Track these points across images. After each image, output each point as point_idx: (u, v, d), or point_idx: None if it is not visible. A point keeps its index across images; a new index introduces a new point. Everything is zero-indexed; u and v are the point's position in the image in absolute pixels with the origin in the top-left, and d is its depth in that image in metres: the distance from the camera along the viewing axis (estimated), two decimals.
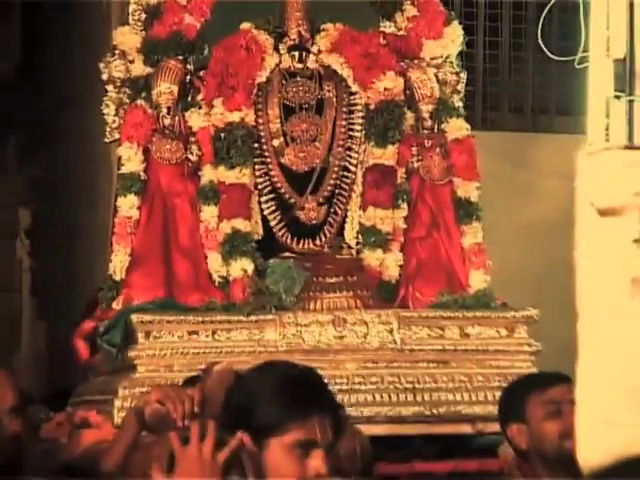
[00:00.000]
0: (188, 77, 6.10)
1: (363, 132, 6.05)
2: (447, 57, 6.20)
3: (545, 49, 6.64)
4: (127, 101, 6.09)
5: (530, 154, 6.96)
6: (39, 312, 9.90)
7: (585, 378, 3.35)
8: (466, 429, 5.67)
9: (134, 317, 5.68)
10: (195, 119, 6.02)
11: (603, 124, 6.03)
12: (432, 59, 6.16)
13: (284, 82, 6.03)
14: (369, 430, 4.86)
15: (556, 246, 7.22)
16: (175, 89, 5.99)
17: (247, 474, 3.47)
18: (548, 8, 6.56)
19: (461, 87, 6.24)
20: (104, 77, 6.13)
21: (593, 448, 3.32)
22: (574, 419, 4.24)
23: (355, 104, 6.06)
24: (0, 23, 10.20)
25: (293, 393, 3.41)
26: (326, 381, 5.77)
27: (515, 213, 6.64)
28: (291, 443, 3.38)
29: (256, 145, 6.02)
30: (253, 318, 5.72)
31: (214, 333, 5.71)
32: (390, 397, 5.68)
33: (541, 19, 6.80)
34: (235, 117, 5.91)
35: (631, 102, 5.43)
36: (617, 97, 5.50)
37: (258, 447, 3.40)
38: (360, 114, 6.05)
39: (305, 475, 3.45)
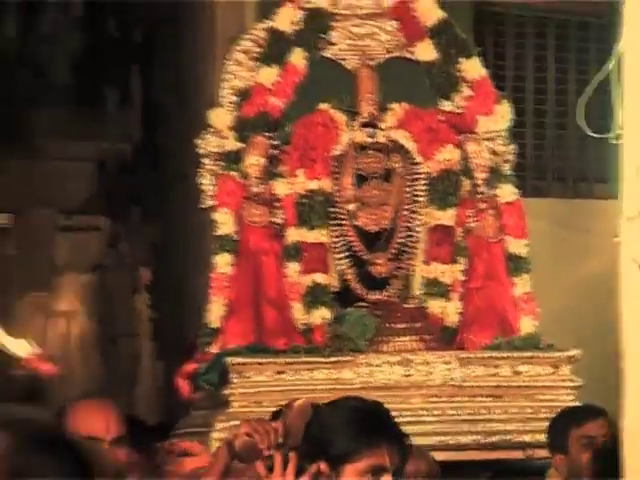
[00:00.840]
0: (274, 150, 6.13)
1: (426, 197, 6.06)
2: (499, 131, 6.20)
3: (585, 128, 6.70)
4: (221, 172, 6.13)
5: (572, 217, 6.96)
6: (158, 354, 10.09)
7: (633, 406, 3.34)
8: (517, 455, 5.63)
9: (228, 360, 5.71)
10: (280, 187, 6.06)
11: (636, 191, 6.10)
12: (485, 133, 6.17)
13: (357, 154, 6.05)
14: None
15: (596, 296, 7.34)
16: (262, 161, 6.06)
17: None
18: (586, 95, 6.71)
19: (511, 157, 6.22)
20: (201, 152, 6.21)
21: None
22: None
23: (419, 173, 6.08)
24: (123, 110, 10.41)
25: (364, 424, 3.47)
26: (393, 413, 5.88)
27: (558, 268, 6.64)
28: (364, 469, 3.44)
29: (333, 209, 6.06)
30: (332, 359, 5.74)
31: (297, 373, 5.72)
32: (451, 427, 5.70)
33: (582, 102, 6.91)
34: (314, 185, 5.98)
35: None
36: None
37: (335, 474, 3.47)
38: (423, 182, 6.07)
39: None
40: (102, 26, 9.49)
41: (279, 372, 5.77)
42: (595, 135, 6.67)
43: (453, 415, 5.79)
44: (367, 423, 3.58)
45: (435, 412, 5.78)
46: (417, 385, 5.82)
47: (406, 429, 5.54)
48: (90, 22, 9.20)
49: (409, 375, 5.80)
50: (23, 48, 9.35)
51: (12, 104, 9.06)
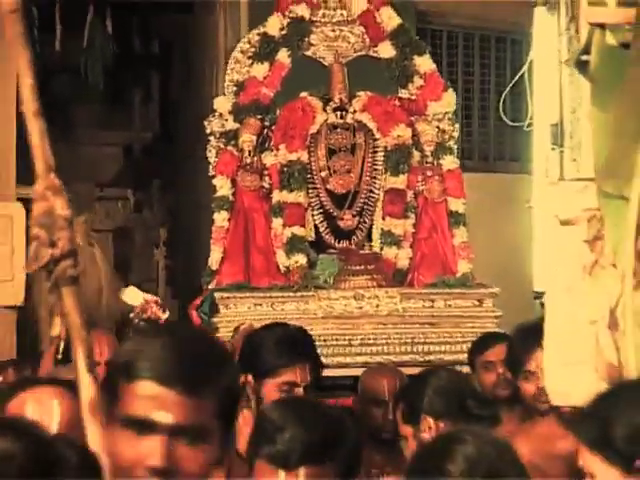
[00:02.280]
0: (264, 130, 6.22)
1: (383, 166, 6.13)
2: (445, 113, 6.29)
3: (504, 117, 6.87)
4: (221, 147, 6.23)
5: (492, 188, 7.08)
6: (172, 295, 10.22)
7: (549, 335, 3.36)
8: None
9: (217, 294, 5.84)
10: (267, 158, 6.16)
11: (544, 166, 6.17)
12: (434, 115, 6.26)
13: (329, 132, 6.12)
14: None
15: (513, 247, 7.43)
16: (254, 138, 6.15)
17: (251, 403, 3.66)
18: (507, 89, 6.84)
19: (455, 134, 6.31)
20: (207, 131, 6.29)
21: (556, 382, 3.38)
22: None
23: (378, 147, 6.14)
24: (145, 105, 10.56)
25: (285, 345, 3.59)
26: (346, 338, 5.95)
27: (484, 227, 6.72)
28: (280, 383, 3.55)
29: (309, 176, 6.12)
30: (299, 294, 5.85)
31: (272, 305, 5.82)
32: (394, 349, 5.78)
33: (502, 96, 7.08)
34: (294, 157, 6.05)
35: (562, 152, 5.60)
36: (552, 149, 5.67)
37: (258, 386, 3.60)
38: (381, 154, 6.13)
39: None
40: (128, 41, 9.60)
41: (256, 304, 5.84)
42: (512, 124, 6.88)
43: (396, 339, 5.84)
44: (287, 345, 3.65)
45: (382, 337, 5.85)
46: (368, 315, 5.90)
47: (359, 351, 5.79)
48: (119, 38, 9.29)
49: (361, 307, 5.90)
50: (67, 58, 9.43)
51: (59, 101, 9.14)
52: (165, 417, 1.80)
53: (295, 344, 3.72)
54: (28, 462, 1.50)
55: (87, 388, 2.18)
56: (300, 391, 3.68)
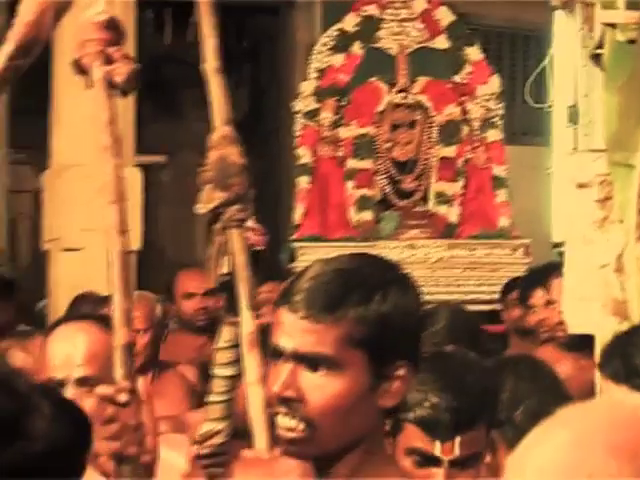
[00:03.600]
0: (340, 109, 6.34)
1: (437, 138, 6.25)
2: (491, 95, 6.36)
3: (530, 101, 6.94)
4: (304, 123, 6.36)
5: (521, 157, 7.16)
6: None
7: (568, 275, 3.51)
8: (486, 307, 5.67)
9: (295, 245, 6.01)
10: (342, 132, 6.28)
11: (562, 140, 6.36)
12: (482, 96, 6.35)
13: (393, 110, 6.24)
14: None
15: (540, 205, 7.44)
16: (331, 116, 6.28)
17: None
18: (532, 78, 6.90)
19: (500, 112, 6.37)
20: (294, 109, 6.41)
21: (572, 314, 3.50)
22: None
23: (433, 122, 6.25)
24: (238, 89, 10.78)
25: None
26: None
27: (517, 189, 6.69)
28: None
29: (376, 146, 6.23)
30: (362, 244, 5.88)
31: (341, 252, 6.01)
32: (441, 289, 5.90)
33: (528, 83, 7.14)
34: (363, 131, 6.21)
35: (576, 129, 5.84)
36: (568, 126, 5.89)
37: None
38: (436, 128, 6.24)
39: None
40: (226, 37, 9.88)
41: (328, 252, 5.82)
42: (536, 105, 7.01)
43: (443, 282, 5.99)
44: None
45: (431, 280, 5.92)
46: (419, 261, 5.99)
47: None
48: (219, 35, 9.52)
49: (414, 254, 6.01)
50: (175, 51, 9.68)
51: (169, 86, 9.43)
52: (286, 342, 1.51)
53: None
54: None
55: (247, 323, 2.06)
56: None
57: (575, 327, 3.44)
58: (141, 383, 1.63)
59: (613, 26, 3.12)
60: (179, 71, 9.94)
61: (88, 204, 5.70)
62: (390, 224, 6.20)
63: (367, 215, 6.19)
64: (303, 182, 6.31)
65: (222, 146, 2.09)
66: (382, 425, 1.59)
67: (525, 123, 8.04)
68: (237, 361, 2.17)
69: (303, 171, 6.32)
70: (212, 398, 2.13)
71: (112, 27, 1.60)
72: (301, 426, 1.48)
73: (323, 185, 6.31)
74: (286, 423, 1.49)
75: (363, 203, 6.20)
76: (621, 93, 3.07)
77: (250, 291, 2.07)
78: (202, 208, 2.06)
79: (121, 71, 1.59)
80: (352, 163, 6.25)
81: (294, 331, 1.51)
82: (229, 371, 2.17)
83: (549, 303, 4.03)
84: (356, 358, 1.49)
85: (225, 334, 2.18)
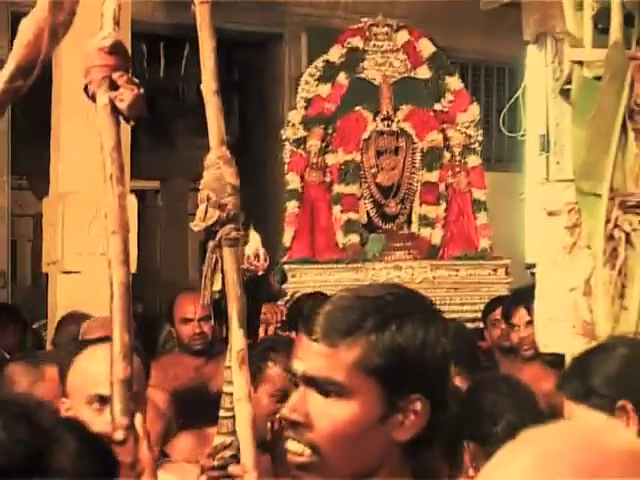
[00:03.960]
0: (327, 137, 6.33)
1: (420, 164, 6.24)
2: (471, 122, 6.37)
3: (503, 129, 7.04)
4: (293, 150, 6.35)
5: (495, 183, 7.20)
6: None
7: (539, 297, 3.54)
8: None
9: (286, 266, 5.96)
10: (329, 159, 6.27)
11: (534, 167, 6.43)
12: (462, 123, 6.35)
13: (377, 137, 6.23)
14: None
15: (515, 227, 7.53)
16: (319, 143, 6.26)
17: None
18: (506, 108, 7.05)
19: (479, 138, 6.39)
20: (283, 137, 6.40)
21: (543, 334, 3.54)
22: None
23: (416, 148, 6.24)
24: (228, 118, 10.74)
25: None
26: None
27: (504, 212, 6.70)
28: None
29: (361, 172, 6.22)
30: (350, 266, 5.96)
31: (330, 274, 5.94)
32: None
33: (502, 113, 7.28)
34: (349, 157, 6.19)
35: (547, 157, 5.89)
36: (540, 154, 6.03)
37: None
38: (419, 154, 6.24)
39: None
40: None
41: (318, 274, 5.96)
42: (509, 134, 7.09)
43: None
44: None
45: None
46: (405, 282, 5.72)
47: None
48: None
49: (400, 276, 5.97)
50: (169, 83, 9.69)
51: (163, 117, 9.42)
52: (298, 365, 1.45)
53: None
54: (14, 448, 1.13)
55: (237, 341, 2.01)
56: None
57: (546, 346, 3.47)
58: (138, 419, 1.49)
59: (581, 63, 3.16)
60: (173, 103, 9.95)
61: (86, 229, 5.89)
62: (376, 246, 6.15)
63: (354, 238, 6.16)
64: (292, 207, 6.30)
65: (218, 166, 2.05)
66: (402, 458, 1.44)
67: (499, 151, 8.29)
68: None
69: (292, 196, 6.31)
70: (222, 413, 2.11)
71: (117, 52, 1.52)
72: (307, 451, 1.40)
73: (311, 209, 6.29)
74: (293, 447, 1.42)
75: (349, 226, 6.17)
76: (589, 126, 3.09)
77: (241, 309, 2.02)
78: (196, 226, 2.02)
79: (125, 97, 1.51)
80: (339, 188, 6.23)
81: (307, 354, 1.43)
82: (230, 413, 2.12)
83: (530, 322, 4.00)
84: (368, 386, 1.39)
85: (226, 376, 2.13)
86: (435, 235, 6.22)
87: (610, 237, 3.03)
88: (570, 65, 3.20)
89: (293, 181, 6.33)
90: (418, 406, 1.40)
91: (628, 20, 3.07)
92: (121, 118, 1.61)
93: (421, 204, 6.24)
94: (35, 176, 7.57)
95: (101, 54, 1.47)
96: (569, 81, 3.23)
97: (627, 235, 3.04)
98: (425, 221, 6.21)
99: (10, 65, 1.60)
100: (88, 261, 5.85)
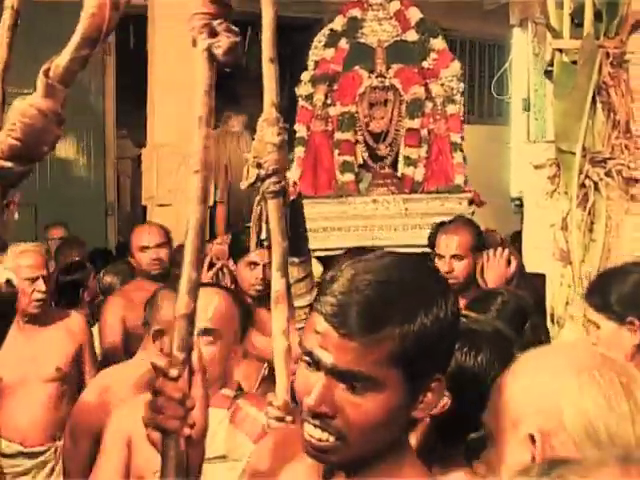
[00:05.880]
0: (330, 92, 6.11)
1: (405, 113, 5.94)
2: (453, 76, 6.02)
3: (494, 93, 7.21)
4: (302, 104, 6.17)
5: (486, 133, 7.10)
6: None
7: (526, 231, 3.98)
8: None
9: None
10: (331, 110, 5.99)
11: (519, 123, 6.55)
12: (445, 77, 6.03)
13: (371, 92, 5.95)
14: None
15: (496, 169, 7.48)
16: (323, 98, 6.02)
17: None
18: (496, 77, 7.28)
19: (460, 90, 6.06)
20: (297, 94, 6.22)
21: (529, 258, 3.97)
22: None
23: (402, 100, 5.94)
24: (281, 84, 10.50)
25: None
26: (366, 231, 5.61)
27: (477, 156, 6.43)
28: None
29: (357, 121, 5.98)
30: (337, 200, 5.83)
31: (321, 206, 5.77)
32: (399, 235, 5.69)
33: (493, 80, 7.49)
34: (345, 109, 5.94)
35: (528, 115, 6.11)
36: (523, 112, 6.15)
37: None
38: (404, 105, 5.92)
39: None
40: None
41: (312, 207, 5.31)
42: (498, 97, 7.18)
43: (401, 229, 5.72)
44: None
45: (391, 228, 5.72)
46: (380, 215, 5.74)
47: (378, 235, 5.49)
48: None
49: (377, 208, 5.73)
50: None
51: (230, 81, 9.37)
52: (325, 357, 1.21)
53: None
54: None
55: (277, 282, 1.96)
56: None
57: (531, 267, 3.75)
58: (195, 355, 1.28)
59: (560, 51, 3.33)
60: (238, 71, 9.77)
61: (175, 172, 6.61)
62: (365, 183, 5.98)
63: (349, 176, 5.94)
64: (299, 152, 6.07)
65: (261, 128, 2.02)
66: (408, 429, 1.32)
67: (490, 108, 8.64)
68: (309, 291, 2.11)
69: (299, 143, 6.07)
70: (297, 325, 2.05)
71: (218, 1, 1.37)
72: (332, 439, 1.21)
73: (315, 153, 6.04)
74: (317, 434, 1.22)
75: (346, 167, 5.93)
76: (566, 100, 3.29)
77: (282, 254, 1.95)
78: (242, 184, 2.01)
79: (222, 43, 1.38)
80: (338, 135, 5.94)
81: (332, 346, 1.20)
82: (304, 301, 2.09)
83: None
84: (396, 376, 1.21)
85: (292, 272, 2.14)
86: (418, 173, 5.89)
87: (582, 185, 3.23)
88: (552, 52, 3.37)
89: (300, 130, 6.07)
90: (436, 384, 1.26)
91: (598, 16, 3.22)
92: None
93: (405, 147, 5.93)
94: (133, 127, 8.09)
95: (204, 2, 1.36)
96: (551, 64, 3.39)
97: (595, 184, 3.24)
98: (408, 161, 5.91)
99: (76, 36, 1.50)
100: (177, 196, 6.52)
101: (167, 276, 3.90)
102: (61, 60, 1.49)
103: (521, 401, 1.26)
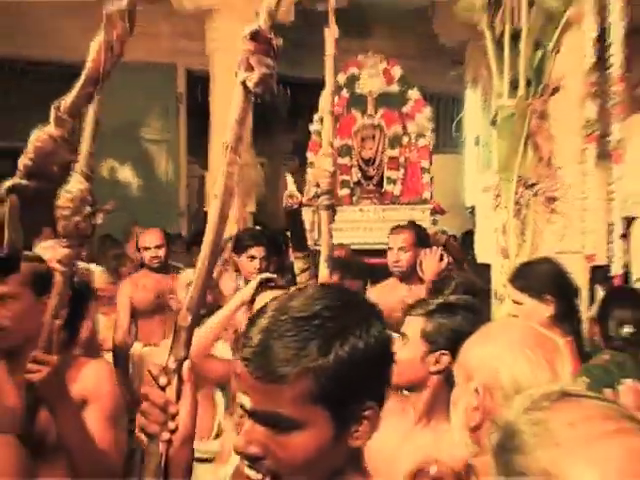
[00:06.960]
0: (334, 129, 6.35)
1: (387, 144, 6.06)
2: (425, 118, 6.09)
3: (453, 132, 7.35)
4: (314, 137, 6.17)
5: (446, 161, 7.11)
6: None
7: (478, 232, 4.13)
8: None
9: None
10: (335, 142, 6.12)
11: (471, 154, 6.43)
12: (419, 119, 6.08)
13: (363, 129, 6.03)
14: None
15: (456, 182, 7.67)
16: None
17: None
18: (455, 121, 7.43)
19: (429, 128, 6.09)
20: (312, 130, 6.24)
21: (480, 251, 4.00)
22: None
23: (386, 135, 6.05)
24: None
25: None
26: (349, 232, 5.35)
27: (446, 179, 6.45)
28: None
29: (352, 150, 6.11)
30: (338, 207, 5.65)
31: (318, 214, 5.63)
32: (377, 236, 5.17)
33: (453, 124, 7.67)
34: (344, 141, 6.06)
35: (478, 148, 5.97)
36: (475, 146, 6.14)
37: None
38: (387, 139, 6.07)
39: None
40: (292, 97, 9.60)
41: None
42: (457, 134, 7.36)
43: (379, 231, 5.50)
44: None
45: (369, 232, 5.68)
46: (364, 220, 5.73)
47: (358, 235, 5.55)
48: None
49: (362, 215, 5.72)
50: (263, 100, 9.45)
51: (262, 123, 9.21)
52: (245, 400, 0.97)
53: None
54: None
55: (322, 272, 1.94)
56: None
57: (481, 259, 3.76)
58: (186, 364, 1.05)
59: (502, 106, 3.36)
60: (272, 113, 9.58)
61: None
62: (356, 195, 6.10)
63: (345, 191, 6.15)
64: (309, 173, 6.16)
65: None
66: (356, 456, 1.01)
67: (450, 142, 8.54)
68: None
69: (310, 166, 6.16)
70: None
71: (257, 39, 1.19)
72: (267, 479, 0.97)
73: None
74: (252, 475, 0.98)
75: (343, 185, 6.14)
76: (506, 141, 3.29)
77: (329, 251, 2.00)
78: (305, 197, 2.23)
79: (254, 76, 1.18)
80: (340, 161, 6.06)
81: (250, 389, 0.96)
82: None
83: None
84: (319, 413, 0.94)
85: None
86: (396, 189, 6.12)
87: (517, 202, 3.27)
88: (496, 107, 3.42)
89: (311, 157, 6.24)
90: (370, 412, 0.98)
91: (528, 83, 3.27)
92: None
93: (388, 170, 6.13)
94: (199, 156, 8.09)
95: (244, 40, 1.19)
96: (496, 116, 3.42)
97: (526, 201, 3.28)
98: (390, 180, 6.11)
99: (82, 76, 1.49)
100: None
101: (165, 268, 3.97)
102: (69, 97, 1.48)
103: (473, 363, 1.33)
